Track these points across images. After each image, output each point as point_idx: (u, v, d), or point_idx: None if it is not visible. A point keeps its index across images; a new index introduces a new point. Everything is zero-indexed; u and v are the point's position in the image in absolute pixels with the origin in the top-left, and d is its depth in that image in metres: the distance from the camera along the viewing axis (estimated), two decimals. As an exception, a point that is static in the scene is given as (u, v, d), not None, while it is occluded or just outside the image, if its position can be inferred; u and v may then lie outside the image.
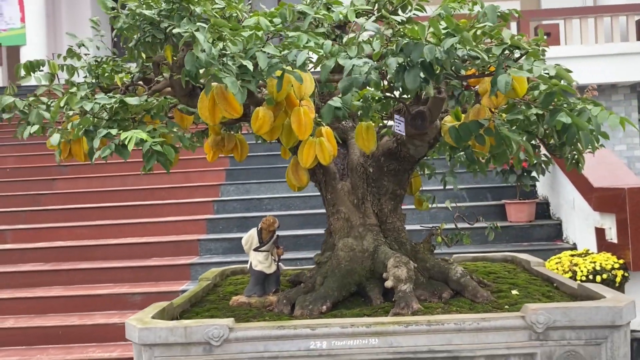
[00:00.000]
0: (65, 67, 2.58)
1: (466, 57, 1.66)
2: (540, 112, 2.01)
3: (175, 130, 2.22)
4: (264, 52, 1.78)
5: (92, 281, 5.57)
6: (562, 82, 2.22)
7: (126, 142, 1.89)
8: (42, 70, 2.59)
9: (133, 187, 7.09)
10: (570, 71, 2.28)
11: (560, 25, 9.50)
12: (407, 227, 2.65)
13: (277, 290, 2.73)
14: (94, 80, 2.36)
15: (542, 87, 1.96)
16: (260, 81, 2.22)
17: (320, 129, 2.39)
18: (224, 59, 1.73)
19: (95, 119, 2.09)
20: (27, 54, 11.17)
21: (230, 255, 5.73)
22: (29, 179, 7.40)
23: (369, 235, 2.51)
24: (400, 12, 2.60)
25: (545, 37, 9.43)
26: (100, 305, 5.19)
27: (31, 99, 2.46)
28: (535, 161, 2.69)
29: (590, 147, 1.97)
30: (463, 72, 1.87)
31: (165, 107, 2.16)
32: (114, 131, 1.91)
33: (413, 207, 3.12)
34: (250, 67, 1.73)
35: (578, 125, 1.93)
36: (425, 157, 2.86)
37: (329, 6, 2.31)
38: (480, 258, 3.33)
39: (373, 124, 2.26)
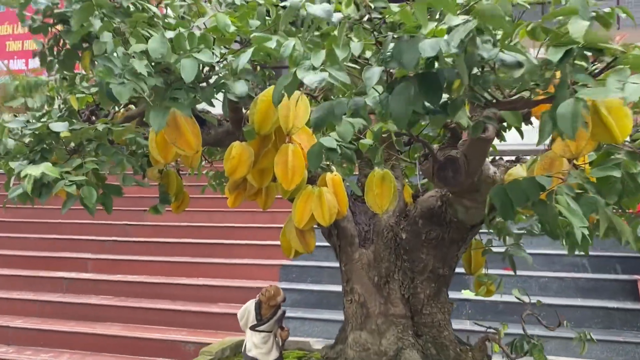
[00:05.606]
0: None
1: (495, 63, 0.91)
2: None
3: (120, 159, 1.69)
4: (196, 58, 1.18)
5: (152, 322, 5.27)
6: None
7: (26, 183, 1.39)
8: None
9: (218, 223, 6.82)
10: None
11: None
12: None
13: (276, 385, 2.06)
14: (60, 102, 1.93)
15: (662, 124, 1.14)
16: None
17: (324, 175, 1.73)
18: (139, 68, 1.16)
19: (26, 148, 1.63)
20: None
21: (297, 309, 5.13)
22: (122, 208, 7.43)
23: (391, 330, 1.76)
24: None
25: None
26: (153, 350, 4.84)
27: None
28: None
29: None
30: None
31: (108, 137, 1.64)
32: (13, 164, 1.41)
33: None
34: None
35: None
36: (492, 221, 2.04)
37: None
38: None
39: (392, 174, 1.55)
